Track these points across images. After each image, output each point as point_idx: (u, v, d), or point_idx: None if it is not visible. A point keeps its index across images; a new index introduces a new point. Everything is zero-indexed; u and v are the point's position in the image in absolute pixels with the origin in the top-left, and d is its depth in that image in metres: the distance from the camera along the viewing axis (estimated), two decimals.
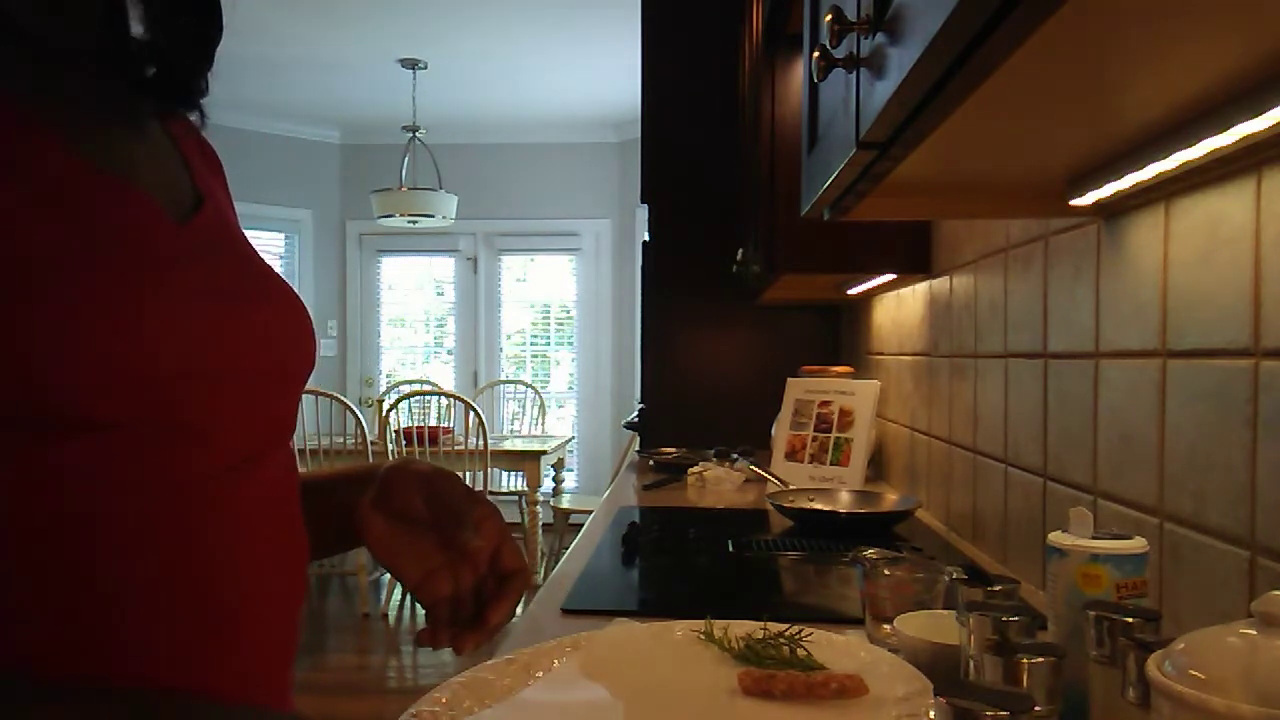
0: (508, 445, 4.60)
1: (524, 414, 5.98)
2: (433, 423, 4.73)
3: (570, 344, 6.43)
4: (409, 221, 5.13)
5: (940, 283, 1.75)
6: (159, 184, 0.56)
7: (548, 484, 4.83)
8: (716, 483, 2.18)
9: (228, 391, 0.53)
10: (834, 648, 0.88)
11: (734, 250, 2.51)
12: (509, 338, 6.49)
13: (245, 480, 0.55)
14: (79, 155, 0.51)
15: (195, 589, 0.51)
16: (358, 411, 4.34)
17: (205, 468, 0.52)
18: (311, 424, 4.36)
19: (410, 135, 5.26)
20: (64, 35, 0.55)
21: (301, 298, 0.66)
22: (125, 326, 0.47)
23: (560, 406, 6.41)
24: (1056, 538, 0.76)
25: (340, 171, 6.32)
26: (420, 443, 4.37)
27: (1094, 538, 0.74)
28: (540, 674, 0.81)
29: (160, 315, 0.49)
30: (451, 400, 4.63)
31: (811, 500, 1.80)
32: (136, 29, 0.59)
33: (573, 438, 6.10)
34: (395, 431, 4.38)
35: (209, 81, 0.62)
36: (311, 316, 0.66)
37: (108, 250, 0.48)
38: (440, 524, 0.67)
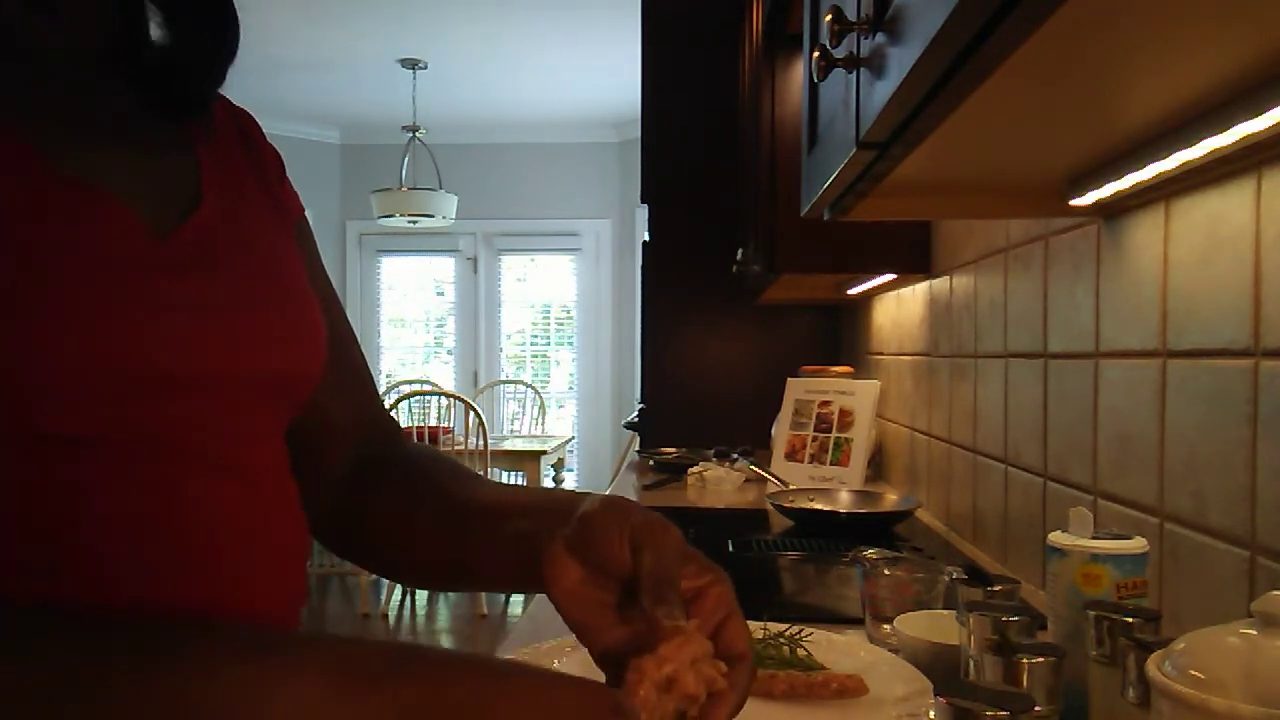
0: (508, 445, 4.61)
1: (524, 414, 5.98)
2: (433, 423, 4.72)
3: (570, 344, 6.43)
4: (409, 221, 5.14)
5: (940, 283, 1.75)
6: (142, 191, 0.54)
7: (548, 484, 4.83)
8: (716, 483, 2.18)
9: (189, 401, 0.52)
10: (834, 648, 0.88)
11: (734, 250, 2.50)
12: (509, 338, 6.49)
13: (219, 488, 0.53)
14: (46, 162, 0.49)
15: (175, 597, 0.50)
16: None
17: (171, 476, 0.51)
18: None
19: (410, 135, 5.26)
20: (61, 37, 0.54)
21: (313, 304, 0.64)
22: (79, 337, 0.46)
23: (560, 406, 6.41)
24: (1056, 538, 0.76)
25: (340, 171, 6.32)
26: (420, 443, 4.36)
27: (1094, 538, 0.74)
28: None
29: (116, 325, 0.48)
30: (451, 400, 4.63)
31: (811, 500, 1.80)
32: (154, 33, 0.57)
33: (573, 438, 6.10)
34: None
35: (214, 90, 0.61)
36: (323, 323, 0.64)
37: (60, 259, 0.47)
38: (645, 586, 0.51)
